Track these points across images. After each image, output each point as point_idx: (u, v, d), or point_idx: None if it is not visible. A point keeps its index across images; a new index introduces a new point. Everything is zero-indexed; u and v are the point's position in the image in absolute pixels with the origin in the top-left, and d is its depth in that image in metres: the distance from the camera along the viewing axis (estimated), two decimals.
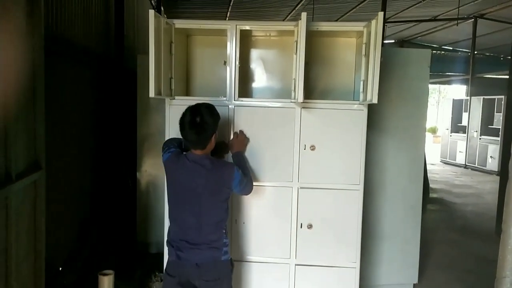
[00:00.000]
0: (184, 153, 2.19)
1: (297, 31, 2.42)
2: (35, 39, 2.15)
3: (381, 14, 2.30)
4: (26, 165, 2.08)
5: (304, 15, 2.30)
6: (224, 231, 2.18)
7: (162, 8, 7.54)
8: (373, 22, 2.36)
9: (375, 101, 2.36)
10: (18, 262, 1.95)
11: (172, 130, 2.68)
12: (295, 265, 2.68)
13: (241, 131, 2.59)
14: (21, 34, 2.01)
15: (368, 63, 2.45)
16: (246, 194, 2.38)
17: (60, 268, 3.06)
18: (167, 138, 2.69)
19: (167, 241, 2.22)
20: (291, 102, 2.59)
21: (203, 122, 2.05)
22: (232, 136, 2.59)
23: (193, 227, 2.11)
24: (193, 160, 2.11)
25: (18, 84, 1.97)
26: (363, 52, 2.50)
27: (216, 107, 2.66)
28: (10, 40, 1.85)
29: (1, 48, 1.79)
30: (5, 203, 1.83)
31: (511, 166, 1.77)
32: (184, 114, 2.09)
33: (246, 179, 2.24)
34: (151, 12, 2.33)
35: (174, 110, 2.67)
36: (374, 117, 3.11)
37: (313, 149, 2.63)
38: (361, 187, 2.66)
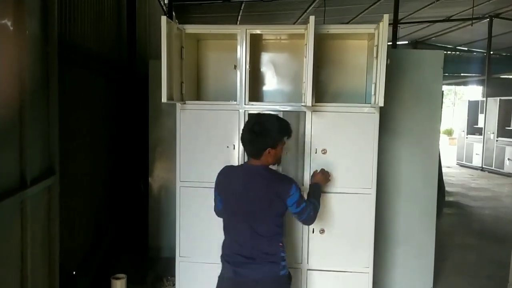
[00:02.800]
0: (241, 163, 2.13)
1: (306, 34, 2.41)
2: (49, 47, 2.19)
3: (386, 16, 2.28)
4: (41, 171, 2.11)
5: (312, 18, 2.29)
6: (281, 244, 2.05)
7: (173, 13, 7.60)
8: (381, 24, 2.34)
9: (381, 104, 2.33)
10: (33, 266, 1.98)
11: (183, 135, 2.70)
12: (307, 270, 2.66)
13: (327, 171, 2.51)
14: (35, 42, 2.05)
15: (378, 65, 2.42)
16: (307, 223, 2.28)
17: (74, 272, 3.10)
18: (178, 142, 2.71)
19: (221, 256, 2.09)
20: (302, 105, 2.57)
21: (259, 133, 1.96)
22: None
23: (248, 240, 1.99)
24: (248, 170, 2.04)
25: (32, 91, 2.00)
26: (375, 54, 2.48)
27: (226, 111, 2.67)
28: (24, 47, 1.89)
29: (16, 55, 1.83)
30: (20, 208, 1.86)
31: None
32: (249, 117, 2.06)
33: (310, 207, 2.11)
34: (163, 18, 2.35)
35: (185, 114, 2.69)
36: (387, 119, 3.07)
37: (324, 153, 2.61)
38: (373, 190, 2.62)
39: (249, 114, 2.05)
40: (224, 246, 2.10)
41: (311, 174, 2.61)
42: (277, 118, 2.09)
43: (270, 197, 1.99)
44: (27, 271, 1.89)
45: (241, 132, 2.06)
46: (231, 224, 2.07)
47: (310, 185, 2.42)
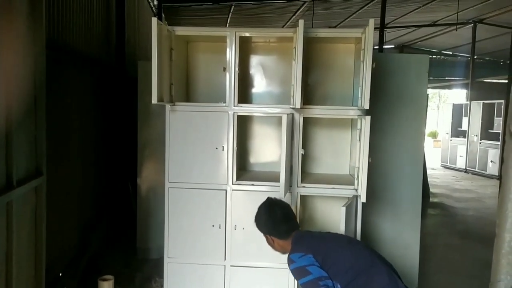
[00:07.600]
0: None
1: (295, 38, 2.44)
2: (37, 47, 2.17)
3: (372, 20, 2.33)
4: (27, 172, 2.10)
5: (301, 22, 2.33)
6: None
7: (163, 15, 7.58)
8: (367, 28, 2.39)
9: (366, 106, 2.37)
10: (19, 267, 1.96)
11: (173, 136, 2.70)
12: None
13: None
14: (23, 42, 2.03)
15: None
16: None
17: (61, 274, 3.07)
18: (167, 144, 2.71)
19: None
20: (290, 107, 2.61)
21: None
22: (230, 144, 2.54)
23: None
24: None
25: (19, 92, 1.99)
26: (361, 58, 2.53)
27: (215, 113, 2.70)
28: (12, 48, 1.88)
29: (3, 56, 1.81)
30: (6, 209, 1.84)
31: (504, 170, 1.78)
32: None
33: None
34: (154, 20, 2.35)
35: (175, 116, 2.70)
36: (373, 122, 3.12)
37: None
38: (359, 191, 2.66)
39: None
40: None
41: (298, 172, 2.64)
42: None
43: None
44: (12, 272, 1.88)
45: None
46: (371, 269, 2.00)
47: None
